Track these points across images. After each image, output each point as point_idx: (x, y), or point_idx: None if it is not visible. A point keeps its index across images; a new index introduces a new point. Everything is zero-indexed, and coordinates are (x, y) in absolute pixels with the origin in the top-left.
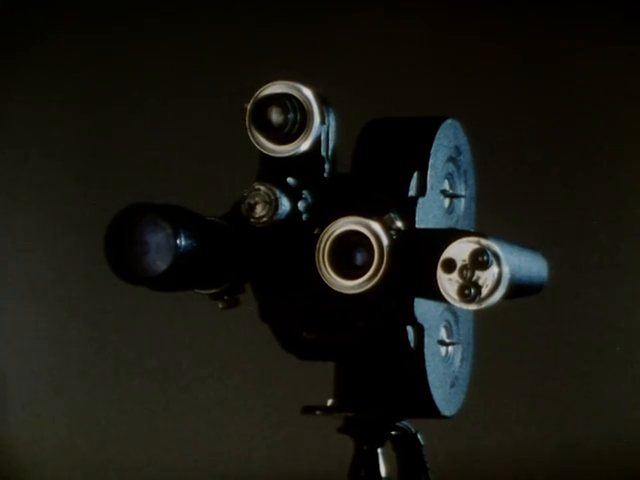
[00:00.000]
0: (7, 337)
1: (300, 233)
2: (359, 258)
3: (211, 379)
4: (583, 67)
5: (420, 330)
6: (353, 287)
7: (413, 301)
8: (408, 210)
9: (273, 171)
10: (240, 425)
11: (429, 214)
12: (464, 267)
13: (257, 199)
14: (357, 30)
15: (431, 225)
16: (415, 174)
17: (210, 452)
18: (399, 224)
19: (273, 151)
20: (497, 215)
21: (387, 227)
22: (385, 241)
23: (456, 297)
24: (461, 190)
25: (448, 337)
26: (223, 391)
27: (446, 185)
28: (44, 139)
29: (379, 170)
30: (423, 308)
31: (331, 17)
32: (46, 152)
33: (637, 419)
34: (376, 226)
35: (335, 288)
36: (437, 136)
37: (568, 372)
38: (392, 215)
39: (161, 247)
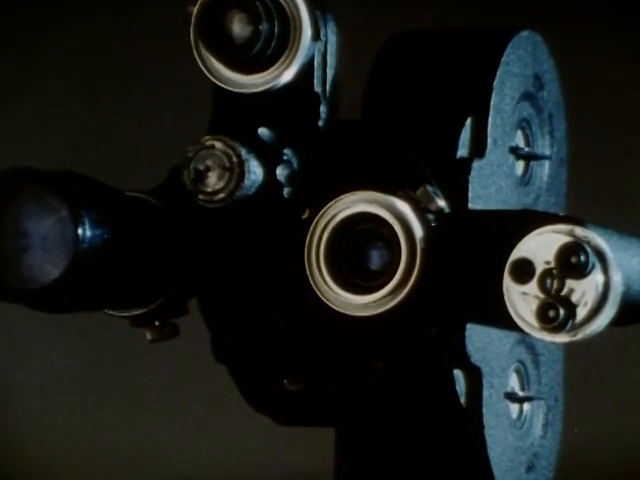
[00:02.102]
0: (7, 337)
1: (280, 218)
2: (376, 259)
3: (215, 381)
4: None
5: (476, 376)
6: (366, 306)
7: (464, 329)
8: (456, 180)
9: (235, 117)
10: (245, 426)
11: (491, 187)
12: (548, 273)
13: (209, 163)
14: None
15: (494, 205)
16: (468, 121)
17: (215, 453)
18: (441, 203)
19: (235, 84)
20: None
21: (421, 209)
22: (418, 231)
23: (535, 322)
24: (544, 147)
25: (522, 388)
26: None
27: (519, 139)
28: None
29: (408, 115)
30: (481, 341)
31: None
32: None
33: None
34: (404, 207)
35: (337, 308)
36: (505, 59)
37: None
38: (430, 188)
39: (52, 241)
